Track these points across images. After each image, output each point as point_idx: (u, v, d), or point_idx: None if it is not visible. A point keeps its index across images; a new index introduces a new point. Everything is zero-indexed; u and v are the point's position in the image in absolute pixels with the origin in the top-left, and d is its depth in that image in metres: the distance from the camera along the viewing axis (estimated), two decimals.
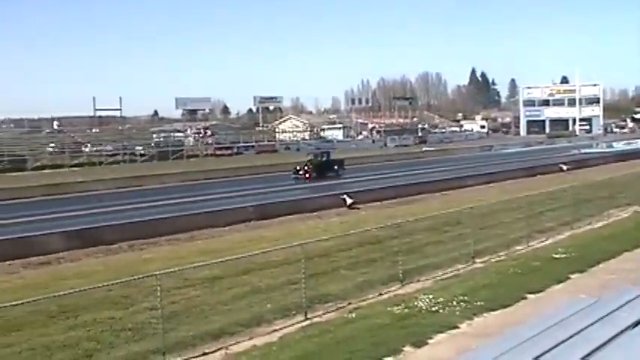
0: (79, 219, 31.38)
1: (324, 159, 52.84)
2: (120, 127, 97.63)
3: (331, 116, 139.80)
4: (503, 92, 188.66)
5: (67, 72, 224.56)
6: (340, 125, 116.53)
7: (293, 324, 14.05)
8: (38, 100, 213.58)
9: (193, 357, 12.29)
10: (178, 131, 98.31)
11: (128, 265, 20.07)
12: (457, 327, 13.56)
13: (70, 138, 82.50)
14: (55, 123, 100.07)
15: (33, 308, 13.62)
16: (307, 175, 49.21)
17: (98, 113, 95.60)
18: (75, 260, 23.03)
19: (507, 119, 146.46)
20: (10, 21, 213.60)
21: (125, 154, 76.22)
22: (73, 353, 12.25)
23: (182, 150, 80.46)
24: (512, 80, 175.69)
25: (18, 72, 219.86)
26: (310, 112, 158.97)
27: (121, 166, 69.86)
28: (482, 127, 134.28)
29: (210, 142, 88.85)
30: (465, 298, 15.26)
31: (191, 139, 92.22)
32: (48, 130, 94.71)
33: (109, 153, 75.83)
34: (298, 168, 50.60)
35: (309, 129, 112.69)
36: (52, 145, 78.26)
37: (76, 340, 12.92)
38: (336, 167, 52.09)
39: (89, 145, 79.01)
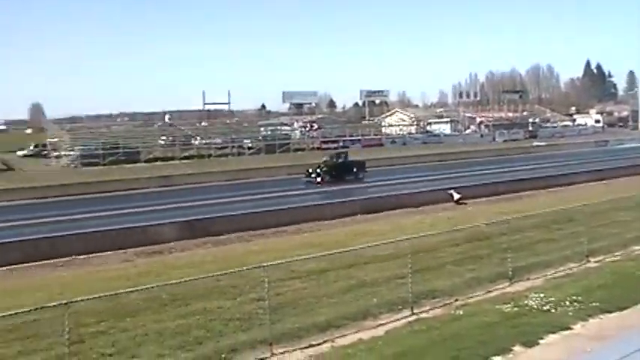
0: (189, 210, 32.30)
1: (340, 160, 47.86)
2: (228, 121, 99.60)
3: (438, 110, 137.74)
4: (621, 85, 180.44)
5: (178, 67, 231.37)
6: (447, 119, 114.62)
7: (399, 319, 13.92)
8: (151, 94, 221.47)
9: (299, 348, 12.35)
10: (285, 125, 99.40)
11: (236, 256, 20.47)
12: (570, 328, 13.07)
13: (180, 131, 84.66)
14: (167, 116, 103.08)
15: (146, 295, 14.10)
16: (319, 180, 44.63)
17: (207, 107, 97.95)
18: (185, 250, 23.76)
19: (625, 113, 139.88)
20: (126, 18, 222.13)
21: (233, 147, 77.69)
22: (184, 340, 12.55)
23: (289, 143, 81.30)
24: (631, 72, 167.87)
25: (132, 67, 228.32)
26: (416, 106, 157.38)
27: (229, 159, 71.36)
28: (597, 121, 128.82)
29: (315, 135, 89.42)
30: (579, 298, 14.70)
31: (297, 132, 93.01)
32: (160, 124, 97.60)
33: (218, 146, 77.31)
34: (310, 170, 45.95)
35: (415, 123, 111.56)
36: (164, 137, 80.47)
37: (186, 327, 13.24)
38: (355, 169, 47.25)
39: (199, 138, 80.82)
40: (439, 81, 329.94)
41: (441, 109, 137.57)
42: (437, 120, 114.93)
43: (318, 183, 44.17)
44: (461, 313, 14.18)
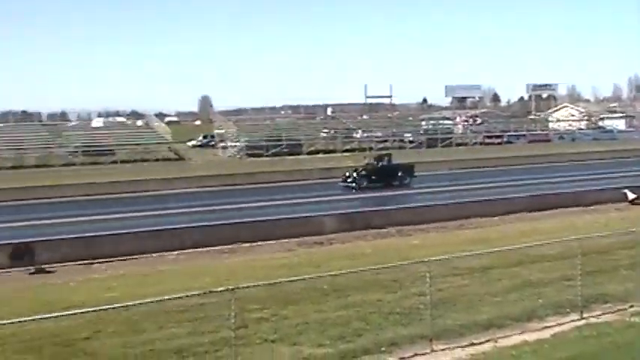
0: (349, 202, 32.59)
1: (383, 164, 42.72)
2: (389, 115, 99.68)
3: (611, 105, 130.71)
4: None
5: (341, 60, 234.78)
6: (622, 114, 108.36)
7: (567, 322, 13.21)
8: (314, 87, 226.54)
9: (460, 346, 12.01)
10: (447, 119, 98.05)
11: (396, 250, 20.37)
12: None
13: (342, 124, 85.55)
14: (329, 109, 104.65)
15: (307, 285, 14.23)
16: (355, 184, 40.01)
17: (369, 100, 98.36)
18: (345, 242, 23.96)
19: None
20: (288, 12, 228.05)
21: (394, 140, 77.57)
22: (344, 331, 12.55)
23: (450, 138, 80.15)
24: None
25: (295, 61, 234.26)
26: (587, 101, 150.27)
27: (390, 152, 71.09)
28: None
29: (478, 130, 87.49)
30: None
31: (460, 126, 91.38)
32: (322, 117, 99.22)
33: (379, 139, 77.43)
34: (348, 174, 41.14)
35: (586, 118, 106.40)
36: (326, 130, 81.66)
37: (346, 318, 13.25)
38: (400, 174, 41.91)
39: (360, 131, 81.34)
40: (613, 74, 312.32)
41: (615, 104, 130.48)
42: (610, 115, 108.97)
43: (353, 189, 39.57)
44: (637, 320, 13.23)
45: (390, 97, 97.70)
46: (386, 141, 77.04)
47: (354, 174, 40.52)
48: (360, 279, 14.82)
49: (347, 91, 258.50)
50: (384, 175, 41.56)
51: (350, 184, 40.08)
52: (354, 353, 11.63)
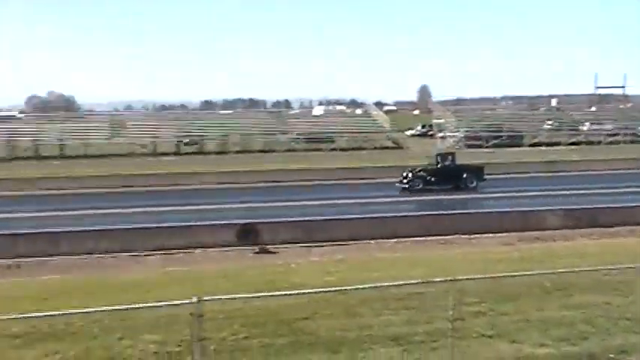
0: (572, 198, 31.23)
1: (445, 164, 38.25)
2: (621, 106, 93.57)
3: None
4: None
5: (567, 50, 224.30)
6: None
7: None
8: (537, 77, 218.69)
9: None
10: None
11: (626, 250, 19.14)
12: None
13: (567, 116, 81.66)
14: (554, 100, 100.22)
15: (528, 281, 13.67)
16: (408, 186, 36.58)
17: (598, 91, 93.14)
18: (569, 239, 22.97)
19: None
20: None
21: (626, 134, 72.75)
22: (567, 332, 11.88)
23: None
24: None
25: (516, 50, 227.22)
26: None
27: (621, 146, 66.85)
28: None
29: None
30: None
31: None
32: (545, 108, 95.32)
33: (608, 132, 73.05)
34: (405, 174, 37.43)
35: None
36: (550, 122, 78.44)
37: (570, 319, 12.52)
38: (465, 176, 37.56)
39: (587, 123, 77.16)
40: None
41: None
42: None
43: (408, 190, 36.31)
44: None
45: (623, 87, 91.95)
46: (617, 134, 72.49)
47: (410, 174, 37.41)
48: (586, 279, 13.97)
49: (574, 81, 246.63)
50: (445, 176, 37.47)
51: (403, 186, 37.02)
52: (579, 357, 10.97)
